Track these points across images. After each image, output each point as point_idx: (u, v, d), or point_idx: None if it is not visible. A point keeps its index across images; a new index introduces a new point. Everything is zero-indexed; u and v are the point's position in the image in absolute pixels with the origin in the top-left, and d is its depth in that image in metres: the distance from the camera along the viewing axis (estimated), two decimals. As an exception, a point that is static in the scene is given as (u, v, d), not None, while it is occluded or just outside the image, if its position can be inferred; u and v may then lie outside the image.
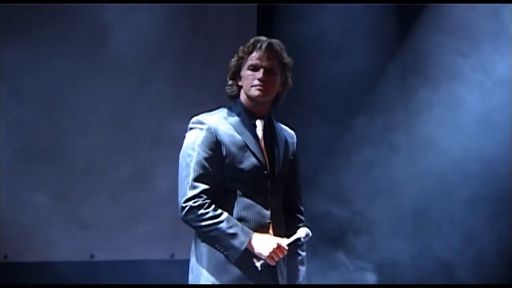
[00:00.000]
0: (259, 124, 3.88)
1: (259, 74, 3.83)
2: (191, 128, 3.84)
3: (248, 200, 3.78)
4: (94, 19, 6.25)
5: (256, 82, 3.83)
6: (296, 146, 4.04)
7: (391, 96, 6.63)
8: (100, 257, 6.24)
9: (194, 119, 3.86)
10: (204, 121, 3.82)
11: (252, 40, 3.89)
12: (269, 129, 3.92)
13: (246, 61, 3.87)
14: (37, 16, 6.13)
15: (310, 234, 3.82)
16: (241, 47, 3.90)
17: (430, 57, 6.51)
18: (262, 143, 3.86)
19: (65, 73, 6.19)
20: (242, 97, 3.89)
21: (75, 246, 6.15)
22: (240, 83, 3.90)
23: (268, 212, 3.81)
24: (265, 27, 6.70)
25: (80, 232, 6.18)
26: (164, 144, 6.25)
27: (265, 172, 3.82)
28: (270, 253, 3.70)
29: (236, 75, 3.90)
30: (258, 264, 3.72)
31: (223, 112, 3.90)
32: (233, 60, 3.90)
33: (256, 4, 6.92)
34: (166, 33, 6.51)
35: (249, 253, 3.71)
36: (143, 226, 6.33)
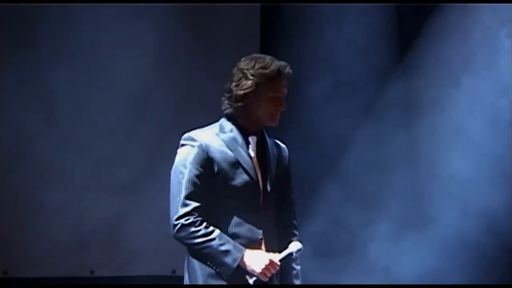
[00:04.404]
0: (251, 140, 3.85)
1: (282, 106, 3.82)
2: (182, 145, 3.82)
3: (240, 217, 3.77)
4: (95, 30, 6.30)
5: (277, 112, 3.81)
6: (288, 161, 4.01)
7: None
8: (100, 272, 6.24)
9: (186, 135, 3.84)
10: (196, 138, 3.79)
11: (275, 67, 3.78)
12: (261, 145, 3.89)
13: (266, 88, 3.77)
14: (39, 27, 6.16)
15: (302, 248, 3.81)
16: (259, 70, 3.76)
17: (432, 68, 6.52)
18: (255, 160, 3.84)
19: (66, 83, 6.23)
20: (242, 115, 3.82)
21: (75, 261, 6.16)
22: (245, 104, 3.79)
23: (261, 228, 3.79)
24: (269, 27, 6.74)
25: (80, 247, 6.19)
26: (166, 158, 6.21)
27: (257, 188, 3.81)
28: (263, 269, 3.69)
29: (249, 98, 3.79)
30: (251, 281, 3.72)
31: (215, 128, 3.86)
32: (249, 83, 3.76)
33: (260, 4, 6.91)
34: (167, 38, 6.51)
35: (241, 270, 3.71)
36: (144, 241, 6.32)
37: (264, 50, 6.64)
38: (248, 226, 3.77)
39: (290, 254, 3.80)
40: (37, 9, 6.12)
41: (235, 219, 3.76)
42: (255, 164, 3.82)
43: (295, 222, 4.01)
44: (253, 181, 3.79)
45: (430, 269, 6.17)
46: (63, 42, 6.24)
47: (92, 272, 6.25)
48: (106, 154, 6.33)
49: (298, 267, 3.97)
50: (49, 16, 6.18)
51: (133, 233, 6.32)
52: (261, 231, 3.79)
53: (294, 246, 3.81)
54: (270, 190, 3.84)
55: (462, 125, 6.28)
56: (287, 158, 4.01)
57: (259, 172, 3.83)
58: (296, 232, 3.99)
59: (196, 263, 3.76)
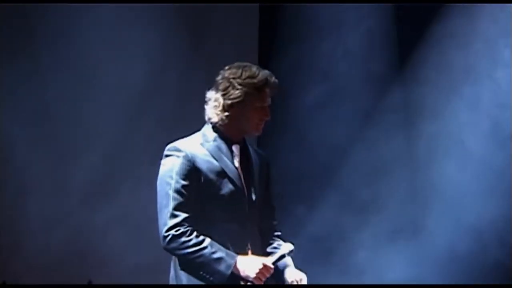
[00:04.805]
0: (235, 149, 3.85)
1: (267, 116, 3.82)
2: (167, 155, 3.81)
3: (227, 226, 3.77)
4: (94, 32, 6.30)
5: (262, 122, 3.82)
6: (269, 168, 4.01)
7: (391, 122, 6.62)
8: (97, 282, 6.24)
9: (170, 146, 3.83)
10: (181, 148, 3.79)
11: (262, 76, 3.79)
12: (245, 154, 3.89)
13: (253, 98, 3.77)
14: (38, 27, 6.19)
15: (294, 249, 3.80)
16: (247, 79, 3.76)
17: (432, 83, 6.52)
18: (239, 169, 3.84)
19: (66, 90, 6.24)
20: (227, 124, 3.81)
21: (72, 271, 6.16)
22: (232, 113, 3.79)
23: (248, 237, 3.81)
24: (267, 30, 6.78)
25: (77, 257, 6.19)
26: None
27: (244, 197, 3.82)
28: (257, 274, 3.70)
29: (236, 107, 3.78)
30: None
31: (198, 137, 3.86)
32: (237, 92, 3.75)
33: (258, 4, 6.94)
34: (166, 40, 6.53)
35: (235, 277, 3.71)
36: (142, 251, 6.32)
37: (263, 53, 6.71)
38: (236, 235, 3.77)
39: (283, 256, 3.79)
40: (36, 9, 6.14)
41: (223, 229, 3.76)
42: (240, 173, 3.83)
43: (277, 227, 4.01)
44: (239, 191, 3.80)
45: (419, 278, 6.16)
46: (62, 44, 6.25)
47: (89, 281, 6.25)
48: (105, 161, 6.35)
49: (291, 265, 3.92)
50: (48, 17, 6.19)
51: (132, 242, 6.32)
52: (248, 241, 3.80)
53: (286, 248, 3.81)
54: (256, 199, 3.85)
55: (461, 135, 6.26)
56: (268, 165, 4.01)
57: (244, 181, 3.83)
58: (279, 234, 3.98)
59: (183, 275, 3.79)
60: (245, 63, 3.86)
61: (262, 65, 6.62)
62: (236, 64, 3.86)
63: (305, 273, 3.89)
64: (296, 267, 3.91)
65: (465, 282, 5.98)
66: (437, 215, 6.26)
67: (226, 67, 3.86)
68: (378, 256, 6.35)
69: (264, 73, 3.80)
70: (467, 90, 6.31)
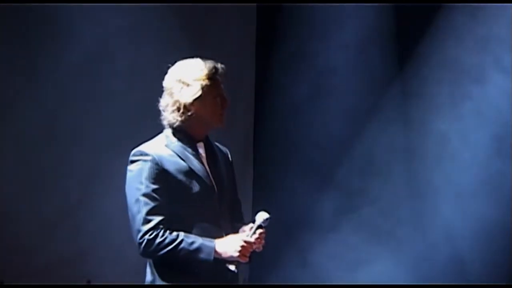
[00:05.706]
0: (200, 147, 3.86)
1: (227, 101, 3.83)
2: (133, 161, 3.80)
3: (201, 225, 3.78)
4: (94, 37, 6.31)
5: (224, 111, 3.82)
6: (231, 162, 4.02)
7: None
8: (96, 282, 6.24)
9: (136, 151, 3.83)
10: (147, 152, 3.78)
11: (210, 65, 3.81)
12: (210, 151, 3.90)
13: (209, 89, 3.78)
14: (37, 38, 6.19)
15: (270, 217, 3.77)
16: (197, 73, 3.77)
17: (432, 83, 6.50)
18: (207, 166, 3.85)
19: (64, 91, 6.25)
20: (190, 124, 3.81)
21: (71, 271, 6.17)
22: (194, 110, 3.79)
23: (221, 234, 3.79)
24: (265, 27, 6.81)
25: (76, 257, 6.20)
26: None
27: (214, 195, 3.82)
28: (240, 251, 3.71)
29: (196, 104, 3.78)
30: (232, 267, 3.75)
31: (162, 139, 3.86)
32: (193, 88, 3.76)
33: (255, 4, 6.96)
34: (164, 45, 6.51)
35: (219, 261, 3.71)
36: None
37: (261, 53, 6.75)
38: (210, 233, 3.77)
39: (260, 226, 3.77)
40: (36, 9, 6.12)
41: (196, 228, 3.76)
42: (208, 171, 3.83)
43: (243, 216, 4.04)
44: (209, 189, 3.80)
45: (411, 277, 6.17)
46: (61, 45, 6.23)
47: (88, 281, 6.25)
48: (105, 161, 6.34)
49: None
50: (48, 17, 6.18)
51: (129, 243, 6.29)
52: (222, 237, 3.79)
53: (261, 217, 3.79)
54: (226, 194, 3.87)
55: (460, 137, 6.25)
56: (231, 160, 4.02)
57: (213, 178, 3.84)
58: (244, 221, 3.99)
59: (161, 282, 3.79)
60: (186, 60, 3.86)
61: (260, 64, 6.76)
62: (177, 64, 3.87)
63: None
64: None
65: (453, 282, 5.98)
66: (432, 215, 6.26)
67: (169, 70, 3.86)
68: (373, 255, 6.36)
69: (210, 62, 3.81)
70: (467, 90, 6.28)
